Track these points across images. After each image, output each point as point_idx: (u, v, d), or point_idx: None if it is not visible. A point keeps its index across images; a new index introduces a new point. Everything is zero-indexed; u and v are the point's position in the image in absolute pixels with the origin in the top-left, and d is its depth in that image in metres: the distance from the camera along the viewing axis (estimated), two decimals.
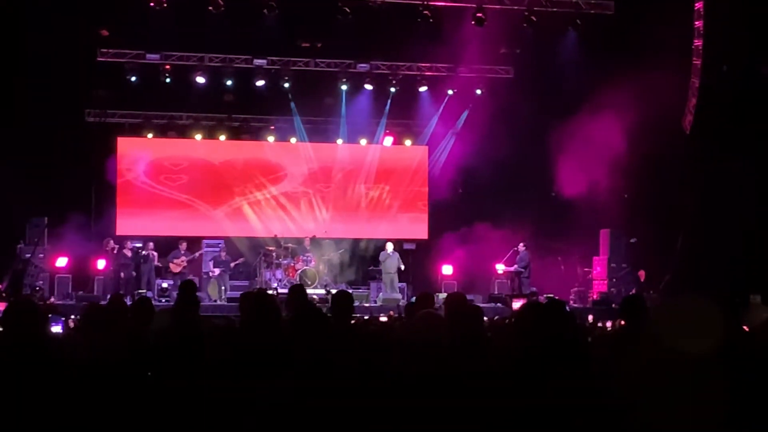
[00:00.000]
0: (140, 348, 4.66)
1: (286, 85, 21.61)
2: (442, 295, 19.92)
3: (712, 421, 3.19)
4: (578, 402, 3.50)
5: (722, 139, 18.12)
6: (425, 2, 19.62)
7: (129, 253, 20.15)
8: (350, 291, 14.93)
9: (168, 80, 21.20)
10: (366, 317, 12.98)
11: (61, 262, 19.92)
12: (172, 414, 3.28)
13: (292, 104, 22.36)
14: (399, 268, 20.89)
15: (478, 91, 22.14)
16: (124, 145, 22.51)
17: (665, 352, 3.16)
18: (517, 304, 15.56)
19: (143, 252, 20.32)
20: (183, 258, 20.44)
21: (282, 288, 20.12)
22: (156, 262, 20.37)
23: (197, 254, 20.73)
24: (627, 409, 3.21)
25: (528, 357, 3.63)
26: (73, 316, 13.56)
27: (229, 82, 21.48)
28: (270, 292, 18.36)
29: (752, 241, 17.63)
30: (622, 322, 7.05)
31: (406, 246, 21.94)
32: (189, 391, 3.43)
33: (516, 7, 19.94)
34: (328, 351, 4.51)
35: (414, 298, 13.05)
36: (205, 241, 21.54)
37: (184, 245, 20.69)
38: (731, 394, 3.32)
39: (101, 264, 20.17)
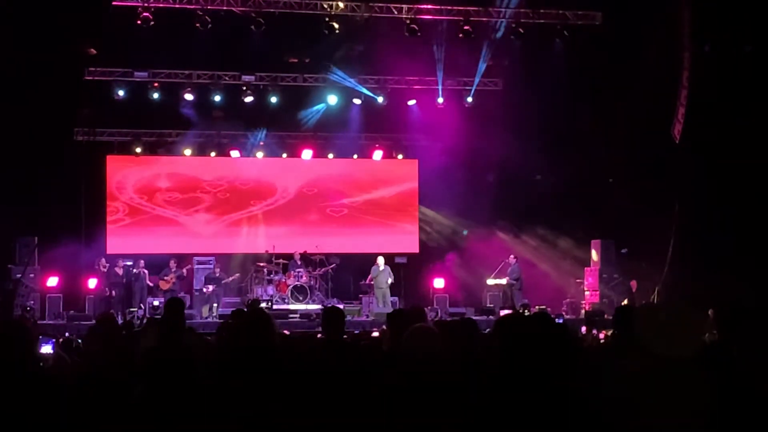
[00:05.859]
0: (128, 367, 4.63)
1: (274, 100, 21.58)
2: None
3: (698, 427, 3.19)
4: (569, 411, 3.48)
5: (711, 147, 18.12)
6: (412, 16, 19.68)
7: (120, 272, 20.07)
8: (341, 306, 14.87)
9: (156, 98, 21.19)
10: (357, 332, 12.91)
11: (52, 281, 19.84)
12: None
13: (282, 120, 22.34)
14: (390, 282, 20.84)
15: (467, 101, 22.15)
16: (114, 163, 22.48)
17: (650, 359, 3.16)
18: None
19: (134, 270, 20.26)
20: (172, 275, 20.37)
21: (274, 304, 20.08)
22: (147, 280, 20.30)
23: (184, 270, 20.64)
24: (618, 418, 3.19)
25: (513, 368, 3.60)
26: (67, 334, 13.49)
27: (217, 99, 21.44)
28: (263, 305, 18.33)
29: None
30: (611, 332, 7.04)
31: (398, 260, 21.88)
32: (178, 409, 3.41)
33: (503, 20, 20.01)
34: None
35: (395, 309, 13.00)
36: (195, 258, 21.48)
37: (173, 262, 20.61)
38: (717, 399, 3.32)
39: (92, 283, 20.09)
